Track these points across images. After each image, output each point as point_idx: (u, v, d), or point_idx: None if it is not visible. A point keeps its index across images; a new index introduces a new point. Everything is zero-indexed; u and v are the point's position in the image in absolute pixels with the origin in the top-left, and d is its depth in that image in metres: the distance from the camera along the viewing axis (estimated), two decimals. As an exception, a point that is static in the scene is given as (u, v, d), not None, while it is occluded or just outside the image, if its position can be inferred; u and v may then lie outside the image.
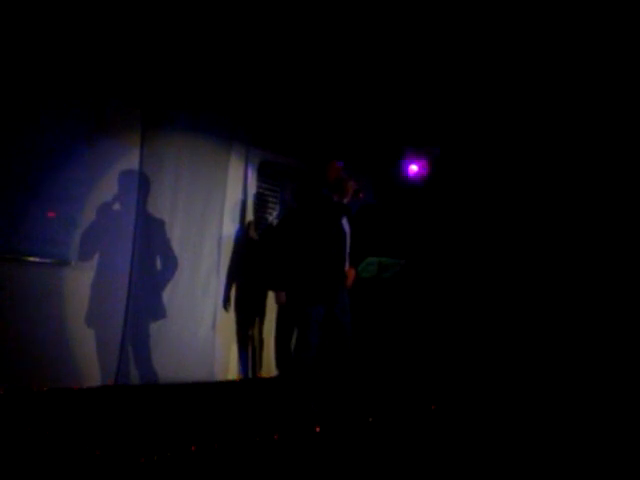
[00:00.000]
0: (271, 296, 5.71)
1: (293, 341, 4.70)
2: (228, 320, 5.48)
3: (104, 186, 4.66)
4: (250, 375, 5.57)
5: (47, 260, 4.33)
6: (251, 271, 5.57)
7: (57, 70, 4.35)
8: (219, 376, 5.35)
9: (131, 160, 4.83)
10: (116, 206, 4.72)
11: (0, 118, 4.06)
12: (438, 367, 5.89)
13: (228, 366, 5.49)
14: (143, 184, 4.86)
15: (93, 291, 4.55)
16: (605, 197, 5.39)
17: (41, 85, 4.26)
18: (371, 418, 4.02)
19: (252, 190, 5.89)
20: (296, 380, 4.15)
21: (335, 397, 4.23)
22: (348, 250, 4.42)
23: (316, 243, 4.15)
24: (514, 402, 5.02)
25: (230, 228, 5.60)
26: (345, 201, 4.13)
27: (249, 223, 5.78)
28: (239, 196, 5.72)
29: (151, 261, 4.93)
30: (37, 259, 4.26)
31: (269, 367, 5.74)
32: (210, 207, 5.40)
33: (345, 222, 4.40)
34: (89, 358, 4.48)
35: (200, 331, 5.22)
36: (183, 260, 5.11)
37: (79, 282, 4.48)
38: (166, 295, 4.96)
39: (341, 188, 4.15)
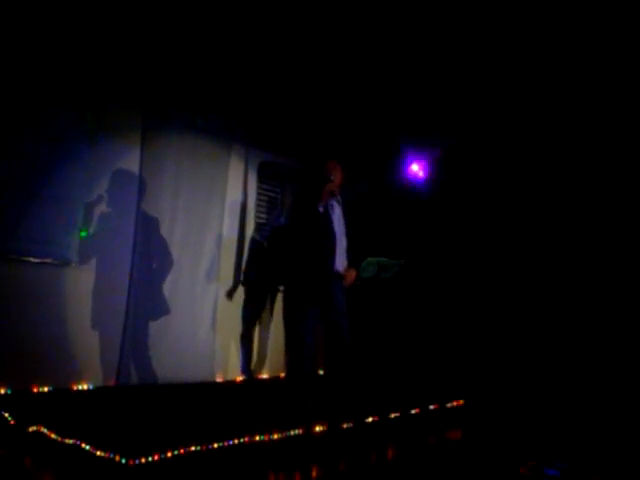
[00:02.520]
0: (271, 296, 5.76)
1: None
2: (228, 320, 5.49)
3: (104, 187, 4.67)
4: (250, 375, 5.58)
5: (47, 260, 4.34)
6: (251, 271, 5.58)
7: (57, 71, 4.35)
8: (219, 376, 5.37)
9: (131, 161, 4.84)
10: (116, 207, 4.73)
11: (1, 119, 4.06)
12: (438, 367, 5.90)
13: (228, 366, 5.50)
14: (143, 184, 4.88)
15: (93, 291, 4.56)
16: (605, 197, 5.40)
17: (42, 86, 4.27)
18: (371, 418, 4.03)
19: (252, 190, 5.90)
20: (294, 380, 4.15)
21: (334, 397, 4.23)
22: (343, 249, 4.34)
23: (303, 244, 4.09)
24: (514, 401, 5.04)
25: (230, 228, 5.62)
26: (321, 206, 4.11)
27: (249, 223, 5.79)
28: (239, 196, 5.74)
29: (151, 261, 4.94)
30: (37, 259, 4.27)
31: (269, 367, 5.76)
32: (210, 207, 5.41)
33: (337, 223, 4.33)
34: (89, 358, 4.49)
35: (200, 331, 5.23)
36: (183, 260, 5.12)
37: (79, 282, 4.50)
38: (166, 295, 4.97)
39: (319, 192, 4.12)
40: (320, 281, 4.05)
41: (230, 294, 5.57)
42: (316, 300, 4.05)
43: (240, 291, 5.61)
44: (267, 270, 5.51)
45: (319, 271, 4.06)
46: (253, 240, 5.72)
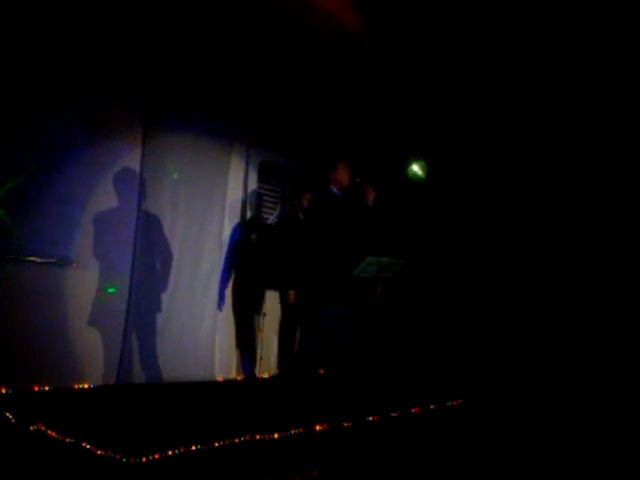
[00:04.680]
0: (271, 296, 5.76)
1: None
2: (229, 320, 5.50)
3: (105, 186, 4.67)
4: (250, 374, 5.58)
5: (49, 260, 4.34)
6: (251, 271, 5.59)
7: (58, 70, 4.35)
8: (220, 375, 5.38)
9: (132, 160, 4.84)
10: (117, 206, 4.73)
11: (1, 118, 4.07)
12: (437, 366, 5.91)
13: (229, 365, 5.51)
14: (144, 184, 4.88)
15: (95, 291, 4.56)
16: (605, 197, 5.40)
17: (42, 85, 4.27)
18: (371, 417, 4.04)
19: (252, 190, 5.91)
20: (297, 379, 4.16)
21: (335, 396, 4.24)
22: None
23: (330, 244, 4.15)
24: (513, 401, 5.04)
25: (230, 228, 5.62)
26: (370, 203, 4.17)
27: (249, 223, 5.79)
28: (239, 196, 5.74)
29: (152, 261, 4.95)
30: (39, 259, 4.27)
31: (269, 367, 5.76)
32: (211, 207, 5.42)
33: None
34: (91, 357, 4.50)
35: (201, 330, 5.24)
36: (184, 260, 5.12)
37: (81, 282, 4.50)
38: (167, 295, 4.98)
39: (361, 192, 4.18)
40: (345, 282, 4.11)
41: (231, 293, 5.58)
42: (339, 299, 4.11)
43: (241, 290, 5.61)
44: (268, 269, 5.52)
45: (345, 272, 4.12)
46: (253, 239, 5.72)
